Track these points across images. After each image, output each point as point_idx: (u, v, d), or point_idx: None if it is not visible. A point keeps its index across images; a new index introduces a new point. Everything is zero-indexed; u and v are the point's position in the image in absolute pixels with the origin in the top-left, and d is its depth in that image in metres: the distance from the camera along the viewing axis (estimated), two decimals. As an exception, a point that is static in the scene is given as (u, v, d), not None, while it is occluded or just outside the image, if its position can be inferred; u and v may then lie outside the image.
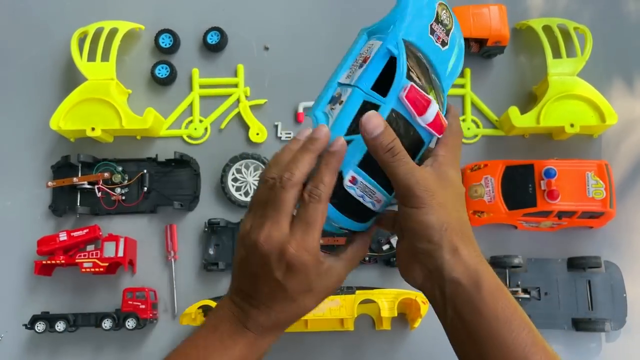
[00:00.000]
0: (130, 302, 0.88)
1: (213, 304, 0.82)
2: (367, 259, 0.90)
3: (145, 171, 0.94)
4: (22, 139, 0.98)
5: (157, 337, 0.91)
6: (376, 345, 0.90)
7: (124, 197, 0.94)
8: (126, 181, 0.93)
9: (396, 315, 0.84)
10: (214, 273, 0.92)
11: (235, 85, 0.99)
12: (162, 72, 0.98)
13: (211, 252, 0.92)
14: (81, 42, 0.96)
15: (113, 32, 0.96)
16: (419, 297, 0.82)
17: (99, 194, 0.92)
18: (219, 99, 0.99)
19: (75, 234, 0.90)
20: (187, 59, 1.00)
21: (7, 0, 1.03)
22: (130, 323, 0.87)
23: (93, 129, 0.91)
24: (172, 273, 0.93)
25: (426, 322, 0.85)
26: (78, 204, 0.93)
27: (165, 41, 0.99)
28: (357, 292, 0.83)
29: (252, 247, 0.48)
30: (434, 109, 0.48)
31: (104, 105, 0.92)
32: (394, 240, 0.89)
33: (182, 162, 0.94)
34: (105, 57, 0.95)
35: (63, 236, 0.90)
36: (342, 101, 0.49)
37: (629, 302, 0.88)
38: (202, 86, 0.99)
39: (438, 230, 0.47)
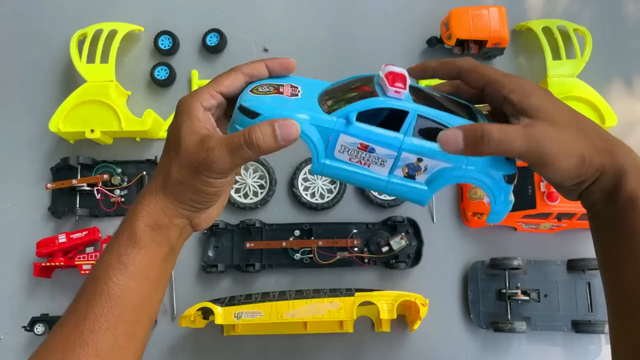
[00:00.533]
0: (130, 304, 0.88)
1: (212, 306, 0.82)
2: (366, 260, 0.90)
3: (144, 173, 0.94)
4: (22, 141, 0.98)
5: (156, 339, 0.91)
6: (376, 347, 0.90)
7: (123, 199, 0.93)
8: (125, 183, 0.93)
9: (395, 317, 0.83)
10: (213, 275, 0.92)
11: (235, 87, 0.99)
12: (161, 73, 0.98)
13: (210, 254, 0.92)
14: (80, 43, 0.97)
15: (112, 34, 0.96)
16: (419, 299, 0.82)
17: (98, 196, 0.92)
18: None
19: (75, 236, 0.90)
20: (186, 61, 1.00)
21: (7, 3, 1.04)
22: (130, 325, 0.87)
23: (92, 130, 0.91)
24: (172, 275, 0.92)
25: (425, 324, 0.85)
26: (77, 206, 0.93)
27: (165, 43, 0.99)
28: (357, 294, 0.83)
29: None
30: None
31: (103, 107, 0.92)
32: (393, 242, 0.89)
33: None
34: (104, 59, 0.95)
35: (62, 238, 0.90)
36: (417, 159, 0.48)
37: (629, 304, 0.87)
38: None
39: (582, 166, 0.45)
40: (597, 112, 0.90)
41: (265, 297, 0.85)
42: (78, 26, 0.98)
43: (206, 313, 0.86)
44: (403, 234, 0.90)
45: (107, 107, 0.92)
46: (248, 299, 0.85)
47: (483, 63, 0.97)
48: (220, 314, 0.82)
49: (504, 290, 0.88)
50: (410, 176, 0.48)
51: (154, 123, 0.93)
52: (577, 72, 0.93)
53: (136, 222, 0.49)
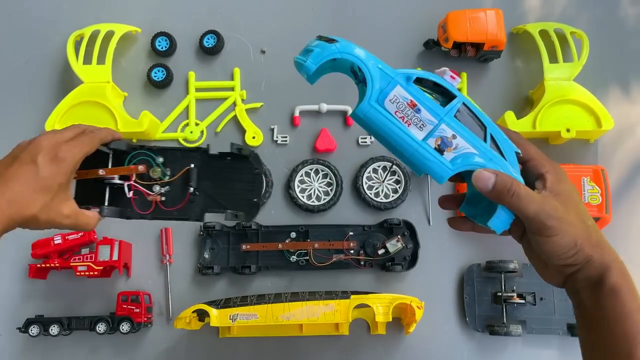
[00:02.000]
0: (125, 306, 0.88)
1: (208, 308, 0.82)
2: (362, 263, 0.90)
3: (192, 165, 0.69)
4: (18, 142, 0.97)
5: (151, 341, 0.91)
6: (371, 350, 0.90)
7: (164, 198, 0.69)
8: (168, 177, 0.69)
9: (391, 320, 0.83)
10: (209, 277, 0.92)
11: (232, 89, 0.99)
12: (158, 75, 0.98)
13: (206, 255, 0.92)
14: (77, 44, 0.96)
15: (109, 35, 0.96)
16: (414, 302, 0.82)
17: (129, 194, 0.68)
18: (215, 102, 0.99)
19: (70, 237, 0.90)
20: (183, 62, 1.00)
21: (4, 3, 1.03)
22: (125, 327, 0.87)
23: (88, 132, 0.91)
24: (167, 277, 0.92)
25: (421, 327, 0.85)
26: (106, 204, 0.68)
27: (162, 44, 0.99)
28: (352, 296, 0.83)
29: (30, 142, 0.60)
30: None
31: (100, 108, 0.92)
32: (389, 245, 0.89)
33: (239, 157, 0.70)
34: (101, 60, 0.95)
35: (58, 239, 0.90)
36: (452, 135, 0.53)
37: (625, 307, 0.87)
38: (198, 89, 0.99)
39: (573, 248, 0.52)
40: (594, 115, 0.90)
41: (260, 299, 0.84)
42: (75, 27, 0.98)
43: (202, 315, 0.86)
44: (399, 236, 0.90)
45: (104, 108, 0.92)
46: (244, 301, 0.85)
47: (479, 66, 0.97)
48: (216, 316, 0.82)
49: (500, 293, 0.88)
50: (440, 150, 0.53)
51: (151, 124, 0.93)
52: (574, 75, 0.93)
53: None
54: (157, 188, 0.69)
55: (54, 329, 0.87)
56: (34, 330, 0.87)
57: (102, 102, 0.92)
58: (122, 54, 1.00)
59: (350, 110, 0.96)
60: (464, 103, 0.53)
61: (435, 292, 0.91)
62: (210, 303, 0.85)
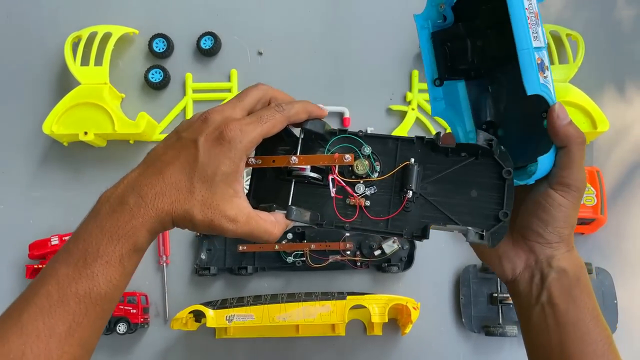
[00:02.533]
0: (122, 307, 0.88)
1: (204, 309, 0.82)
2: (359, 264, 0.91)
3: (412, 160, 0.52)
4: (15, 143, 0.98)
5: (148, 341, 0.91)
6: (367, 351, 0.90)
7: (368, 202, 0.52)
8: (376, 174, 0.52)
9: (387, 320, 0.84)
10: (205, 278, 0.92)
11: (229, 90, 0.99)
12: (155, 76, 0.98)
13: (203, 256, 0.92)
14: (75, 46, 0.97)
15: (107, 37, 0.96)
16: (410, 302, 0.83)
17: (333, 192, 0.52)
18: (213, 104, 0.97)
19: (67, 237, 0.90)
20: (180, 64, 1.00)
21: (2, 4, 1.04)
22: (121, 327, 0.87)
23: (86, 133, 0.91)
24: (164, 277, 0.93)
25: (417, 328, 0.85)
26: (290, 202, 0.52)
27: (159, 46, 1.00)
28: (348, 297, 0.83)
29: (198, 118, 0.49)
30: None
31: (97, 109, 0.92)
32: (385, 246, 0.89)
33: (477, 153, 0.52)
34: (98, 62, 0.95)
35: (55, 240, 0.90)
36: (546, 66, 0.50)
37: (620, 308, 0.88)
38: (195, 91, 0.99)
39: (570, 226, 0.51)
40: (589, 117, 0.91)
41: (257, 300, 0.85)
42: (72, 29, 0.98)
43: (198, 316, 0.86)
44: (395, 237, 0.90)
45: (101, 110, 0.92)
46: (240, 302, 0.85)
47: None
48: (212, 317, 0.82)
49: (496, 294, 0.88)
50: (539, 66, 0.49)
51: (148, 126, 0.93)
52: (570, 77, 0.93)
53: (140, 228, 0.46)
54: (361, 188, 0.52)
55: (51, 330, 0.87)
56: (30, 331, 0.87)
57: (100, 104, 0.92)
58: (120, 55, 1.00)
59: (347, 112, 0.97)
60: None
61: (432, 293, 0.91)
62: (207, 304, 0.85)
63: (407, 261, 0.91)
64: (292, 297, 0.85)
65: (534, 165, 0.50)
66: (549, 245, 0.52)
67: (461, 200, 0.51)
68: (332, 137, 0.53)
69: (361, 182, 0.52)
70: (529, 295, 0.53)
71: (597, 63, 0.97)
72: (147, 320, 0.91)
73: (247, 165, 0.49)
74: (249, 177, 0.54)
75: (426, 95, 0.97)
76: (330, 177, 0.52)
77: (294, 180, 0.52)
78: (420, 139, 0.53)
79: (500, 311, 0.87)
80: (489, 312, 0.89)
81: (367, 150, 0.52)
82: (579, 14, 1.00)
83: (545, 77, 0.49)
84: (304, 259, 0.90)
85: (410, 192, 0.51)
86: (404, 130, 0.95)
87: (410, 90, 0.98)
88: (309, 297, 0.84)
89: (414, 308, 0.83)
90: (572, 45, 0.95)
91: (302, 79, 0.99)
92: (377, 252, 0.90)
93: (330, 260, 0.90)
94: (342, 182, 0.52)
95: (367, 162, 0.52)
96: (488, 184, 0.51)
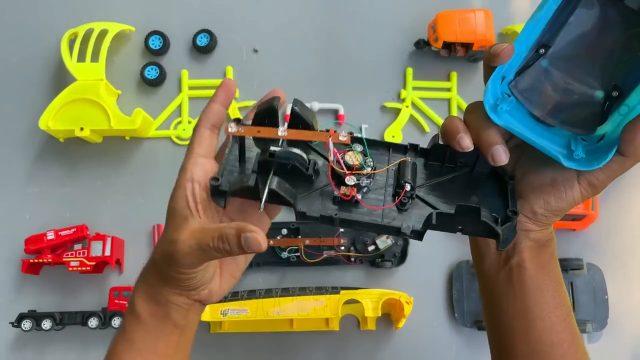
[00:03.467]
0: (117, 301, 0.89)
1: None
2: (353, 259, 0.91)
3: (408, 159, 0.51)
4: (11, 138, 0.98)
5: (143, 336, 0.92)
6: (361, 345, 0.91)
7: (359, 195, 0.48)
8: (369, 168, 0.49)
9: (380, 315, 0.84)
10: (200, 273, 0.93)
11: (224, 87, 1.00)
12: (151, 73, 0.99)
13: (198, 252, 0.92)
14: (71, 42, 0.97)
15: (103, 33, 0.97)
16: (403, 297, 0.83)
17: (332, 160, 0.47)
18: (208, 101, 0.99)
19: (63, 232, 0.91)
20: (176, 61, 1.01)
21: (-2, 1, 1.04)
22: (117, 322, 0.88)
23: (82, 129, 0.92)
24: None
25: (410, 322, 0.86)
26: (274, 187, 0.45)
27: (155, 42, 1.00)
28: (342, 292, 0.84)
29: None
30: None
31: (93, 105, 0.93)
32: (379, 241, 0.90)
33: (474, 164, 0.51)
34: (94, 58, 0.95)
35: (50, 235, 0.91)
36: None
37: (611, 303, 0.88)
38: (191, 87, 1.00)
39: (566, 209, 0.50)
40: (581, 114, 0.92)
41: (251, 294, 0.85)
42: (69, 25, 0.99)
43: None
44: (392, 233, 0.91)
45: (97, 106, 0.93)
46: (234, 296, 0.85)
47: (469, 66, 0.98)
48: (207, 311, 0.83)
49: (488, 290, 0.89)
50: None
51: (144, 122, 0.94)
52: (562, 75, 0.94)
53: (134, 295, 0.49)
54: (352, 181, 0.47)
55: (47, 324, 0.88)
56: (26, 325, 0.88)
57: (96, 100, 0.93)
58: (116, 52, 1.01)
59: (341, 109, 0.97)
60: None
61: (425, 288, 0.92)
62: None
63: (401, 257, 0.92)
64: (286, 292, 0.85)
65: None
66: (537, 223, 0.51)
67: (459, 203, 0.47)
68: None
69: (353, 173, 0.47)
70: (499, 258, 0.53)
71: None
72: None
73: (230, 133, 0.47)
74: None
75: (421, 93, 0.98)
76: (330, 147, 0.46)
77: (274, 164, 0.47)
78: (413, 146, 0.51)
79: (492, 306, 0.88)
80: (481, 307, 0.89)
81: (359, 148, 0.49)
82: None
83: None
84: (299, 254, 0.90)
85: (409, 185, 0.48)
86: (397, 127, 0.96)
87: (404, 87, 0.99)
88: (303, 291, 0.85)
89: (407, 303, 0.83)
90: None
91: (297, 77, 1.00)
92: (370, 248, 0.91)
93: (325, 255, 0.90)
94: (338, 156, 0.47)
95: (360, 155, 0.48)
96: (488, 190, 0.50)
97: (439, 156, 0.50)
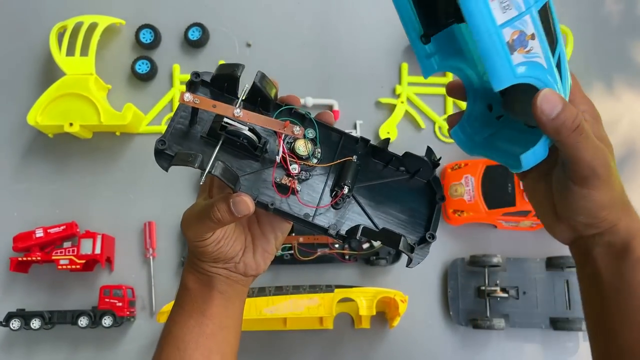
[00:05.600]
0: (107, 300, 0.87)
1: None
2: (347, 257, 0.90)
3: (355, 158, 0.51)
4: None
5: (134, 335, 0.90)
6: (355, 344, 0.90)
7: (299, 187, 0.50)
8: (316, 161, 0.50)
9: (375, 313, 0.83)
10: (193, 271, 0.92)
11: (217, 82, 0.98)
12: (142, 67, 0.97)
13: (190, 249, 0.91)
14: (60, 36, 0.95)
15: (93, 27, 0.95)
16: (398, 295, 0.82)
17: (282, 150, 0.49)
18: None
19: (52, 230, 0.89)
20: (168, 55, 0.99)
21: (-15, -7, 1.02)
22: (107, 321, 0.86)
23: (71, 124, 0.90)
24: (151, 271, 0.92)
25: (405, 320, 0.85)
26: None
27: (146, 36, 0.98)
28: (336, 290, 0.83)
29: None
30: None
31: (83, 100, 0.91)
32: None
33: (415, 172, 0.52)
34: (84, 52, 0.94)
35: (39, 232, 0.89)
36: (532, 35, 0.41)
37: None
38: (183, 82, 0.98)
39: (607, 207, 0.46)
40: (577, 111, 0.91)
41: (244, 293, 0.84)
42: (58, 18, 0.97)
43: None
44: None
45: (87, 101, 0.91)
46: (227, 295, 0.84)
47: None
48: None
49: (483, 287, 0.88)
50: (512, 48, 0.40)
51: (134, 117, 0.92)
52: (558, 71, 0.93)
53: (184, 272, 0.55)
54: (296, 169, 0.49)
55: (36, 323, 0.86)
56: (15, 324, 0.86)
57: (85, 95, 0.91)
58: (106, 46, 0.99)
59: (336, 105, 0.96)
60: (548, 1, 0.42)
61: (420, 286, 0.91)
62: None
63: (395, 254, 0.91)
64: (279, 290, 0.84)
65: (523, 157, 0.45)
66: (588, 226, 0.48)
67: (391, 211, 0.51)
68: (277, 109, 0.50)
69: (299, 163, 0.49)
70: (579, 262, 0.51)
71: (586, 57, 0.97)
72: (133, 314, 0.90)
73: (184, 102, 0.46)
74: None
75: (416, 89, 0.97)
76: (281, 133, 0.47)
77: (223, 136, 0.47)
78: (364, 140, 0.51)
79: (487, 304, 0.87)
80: (477, 305, 0.89)
81: (311, 134, 0.50)
82: (568, 9, 1.00)
83: (529, 50, 0.41)
84: (292, 252, 0.89)
85: (347, 188, 0.49)
86: (392, 123, 0.95)
87: (399, 83, 0.98)
88: (296, 290, 0.84)
89: (401, 301, 0.83)
90: (560, 39, 0.95)
91: (291, 72, 0.98)
92: (365, 246, 0.90)
93: (319, 253, 0.89)
94: (286, 151, 0.49)
95: (310, 145, 0.49)
96: (421, 200, 0.51)
97: (384, 158, 0.52)
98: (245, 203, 0.47)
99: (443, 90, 0.97)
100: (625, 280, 0.47)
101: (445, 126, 0.96)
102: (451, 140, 0.95)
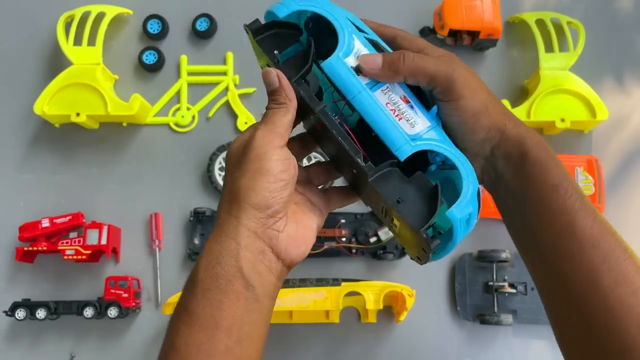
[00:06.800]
0: (113, 291, 0.87)
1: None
2: (354, 251, 0.90)
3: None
4: (5, 124, 0.96)
5: (139, 326, 0.90)
6: (361, 338, 0.90)
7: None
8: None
9: (381, 307, 0.83)
10: (198, 263, 0.91)
11: (224, 73, 0.98)
12: (149, 58, 0.97)
13: (196, 241, 0.91)
14: (67, 26, 0.95)
15: (100, 17, 0.94)
16: (405, 290, 0.82)
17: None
18: (207, 87, 0.97)
19: (58, 220, 0.89)
20: (175, 46, 0.99)
21: (-7, -18, 1.02)
22: (113, 312, 0.86)
23: (78, 114, 0.89)
24: (156, 262, 0.91)
25: (412, 315, 0.85)
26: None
27: (154, 27, 0.98)
28: (343, 284, 0.82)
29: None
30: None
31: (90, 90, 0.91)
32: (381, 233, 0.89)
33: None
34: (91, 42, 0.93)
35: (45, 222, 0.89)
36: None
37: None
38: (190, 73, 0.98)
39: (484, 112, 0.48)
40: (589, 105, 0.90)
41: (250, 285, 0.84)
42: (65, 8, 0.96)
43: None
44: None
45: (94, 91, 0.91)
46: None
47: (475, 55, 0.96)
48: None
49: (491, 283, 0.87)
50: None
51: (141, 108, 0.92)
52: (570, 65, 0.92)
53: (199, 258, 0.48)
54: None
55: (41, 313, 0.86)
56: (20, 314, 0.86)
57: (92, 85, 0.91)
58: (113, 36, 0.99)
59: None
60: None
61: (427, 281, 0.90)
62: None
63: (403, 249, 0.90)
64: (286, 283, 0.84)
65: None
66: (481, 143, 0.49)
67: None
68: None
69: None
70: (493, 187, 0.51)
71: (598, 52, 0.96)
72: (139, 305, 0.90)
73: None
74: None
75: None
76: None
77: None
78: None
79: (495, 300, 0.87)
80: (484, 301, 0.88)
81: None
82: (580, 2, 0.99)
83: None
84: (299, 245, 0.89)
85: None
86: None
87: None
88: (303, 283, 0.83)
89: (409, 295, 0.82)
90: (572, 33, 0.94)
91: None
92: (372, 239, 0.89)
93: (326, 247, 0.89)
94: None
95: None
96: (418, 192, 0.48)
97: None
98: (271, 73, 0.49)
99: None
100: (530, 182, 0.47)
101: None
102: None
